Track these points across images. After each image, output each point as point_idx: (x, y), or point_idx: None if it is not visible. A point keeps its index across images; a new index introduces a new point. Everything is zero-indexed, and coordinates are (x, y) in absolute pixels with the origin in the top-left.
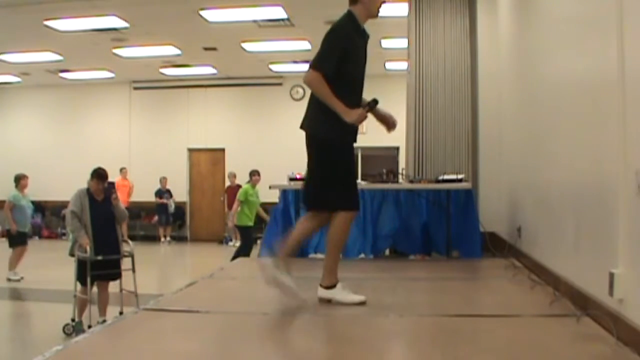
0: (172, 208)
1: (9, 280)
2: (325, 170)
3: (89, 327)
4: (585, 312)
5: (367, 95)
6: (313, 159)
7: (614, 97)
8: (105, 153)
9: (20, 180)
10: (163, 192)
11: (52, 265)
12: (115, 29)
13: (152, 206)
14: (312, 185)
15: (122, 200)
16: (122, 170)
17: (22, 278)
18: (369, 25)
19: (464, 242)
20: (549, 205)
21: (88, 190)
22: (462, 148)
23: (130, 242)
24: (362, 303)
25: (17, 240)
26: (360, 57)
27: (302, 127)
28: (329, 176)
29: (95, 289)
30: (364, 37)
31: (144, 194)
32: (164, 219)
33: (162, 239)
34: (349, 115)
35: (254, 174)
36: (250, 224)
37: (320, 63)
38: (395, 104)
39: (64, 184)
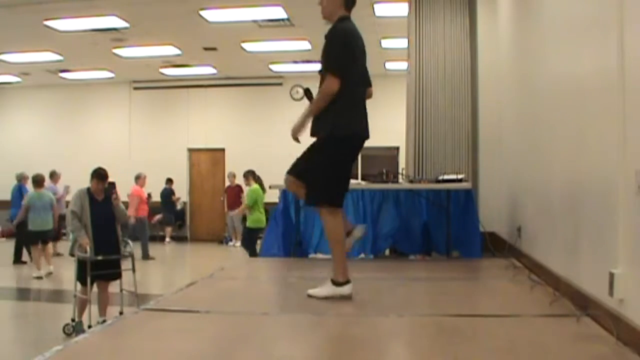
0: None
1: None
2: None
3: (89, 327)
4: (585, 312)
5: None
6: None
7: (614, 97)
8: (105, 153)
9: (43, 181)
10: (170, 192)
11: (52, 265)
12: (115, 29)
13: (152, 206)
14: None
15: (139, 210)
16: (137, 178)
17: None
18: (369, 25)
19: (464, 242)
20: (549, 205)
21: (88, 190)
22: (462, 148)
23: (130, 242)
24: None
25: None
26: None
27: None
28: None
29: (95, 288)
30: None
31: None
32: (166, 219)
33: (168, 239)
34: None
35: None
36: None
37: None
38: (395, 104)
39: (64, 184)
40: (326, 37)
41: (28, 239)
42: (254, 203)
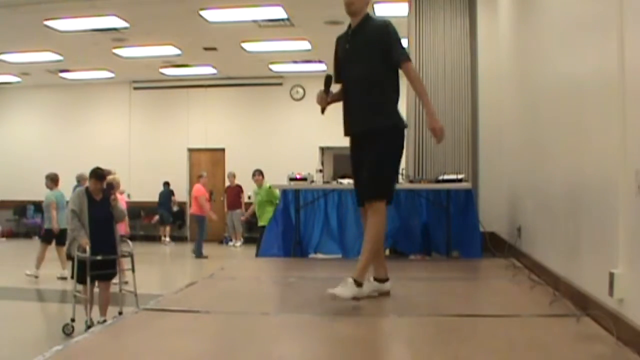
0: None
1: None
2: None
3: (89, 327)
4: (585, 312)
5: None
6: None
7: (614, 97)
8: (105, 153)
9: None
10: (169, 193)
11: (52, 265)
12: (115, 29)
13: (152, 206)
14: None
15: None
16: (200, 177)
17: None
18: None
19: (464, 242)
20: (549, 205)
21: (87, 189)
22: (462, 148)
23: (129, 241)
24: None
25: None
26: (344, 58)
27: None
28: None
29: (96, 289)
30: (351, 36)
31: (144, 194)
32: (164, 218)
33: (163, 238)
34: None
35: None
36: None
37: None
38: None
39: (64, 184)
40: (374, 30)
41: (49, 238)
42: (269, 201)
